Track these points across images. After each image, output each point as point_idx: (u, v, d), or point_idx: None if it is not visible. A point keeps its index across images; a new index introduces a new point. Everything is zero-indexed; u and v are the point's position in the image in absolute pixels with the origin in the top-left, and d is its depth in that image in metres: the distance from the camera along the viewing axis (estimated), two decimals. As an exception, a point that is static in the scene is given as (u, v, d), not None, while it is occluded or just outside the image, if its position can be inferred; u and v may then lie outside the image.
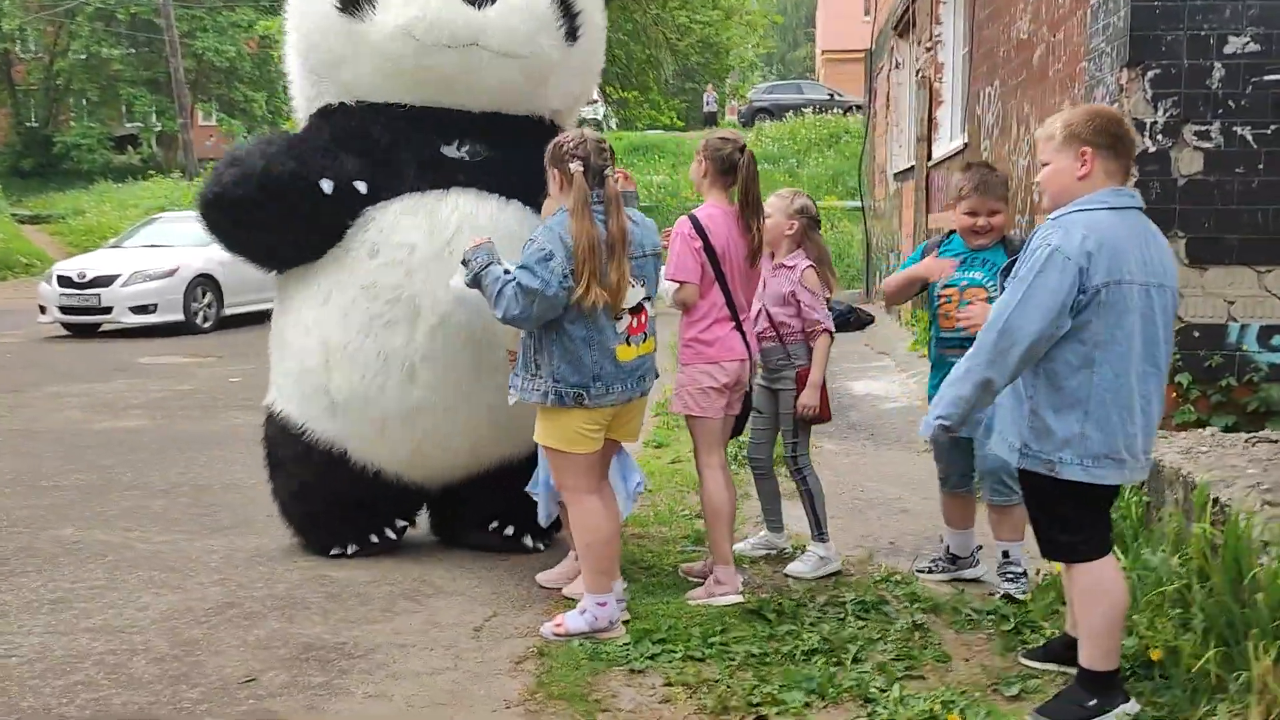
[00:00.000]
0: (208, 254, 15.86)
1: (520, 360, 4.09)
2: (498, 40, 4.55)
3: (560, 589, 4.50)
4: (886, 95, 15.53)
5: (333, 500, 4.87)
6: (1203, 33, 5.58)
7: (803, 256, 4.71)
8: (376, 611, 4.36)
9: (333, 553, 4.97)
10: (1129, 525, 4.59)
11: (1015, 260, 3.45)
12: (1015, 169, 8.04)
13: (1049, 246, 3.21)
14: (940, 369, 4.40)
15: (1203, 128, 5.61)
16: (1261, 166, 5.57)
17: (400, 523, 5.11)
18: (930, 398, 4.39)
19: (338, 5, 4.61)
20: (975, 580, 4.63)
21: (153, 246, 16.02)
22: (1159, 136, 5.65)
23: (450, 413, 4.67)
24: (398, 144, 4.71)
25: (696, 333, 4.43)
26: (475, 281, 3.99)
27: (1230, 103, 5.57)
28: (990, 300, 4.19)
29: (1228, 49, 5.56)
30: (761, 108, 36.98)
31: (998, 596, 4.38)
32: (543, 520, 4.57)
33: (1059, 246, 3.20)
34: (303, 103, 5.01)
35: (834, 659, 3.79)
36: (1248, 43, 5.55)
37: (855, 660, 3.77)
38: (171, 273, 15.10)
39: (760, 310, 4.72)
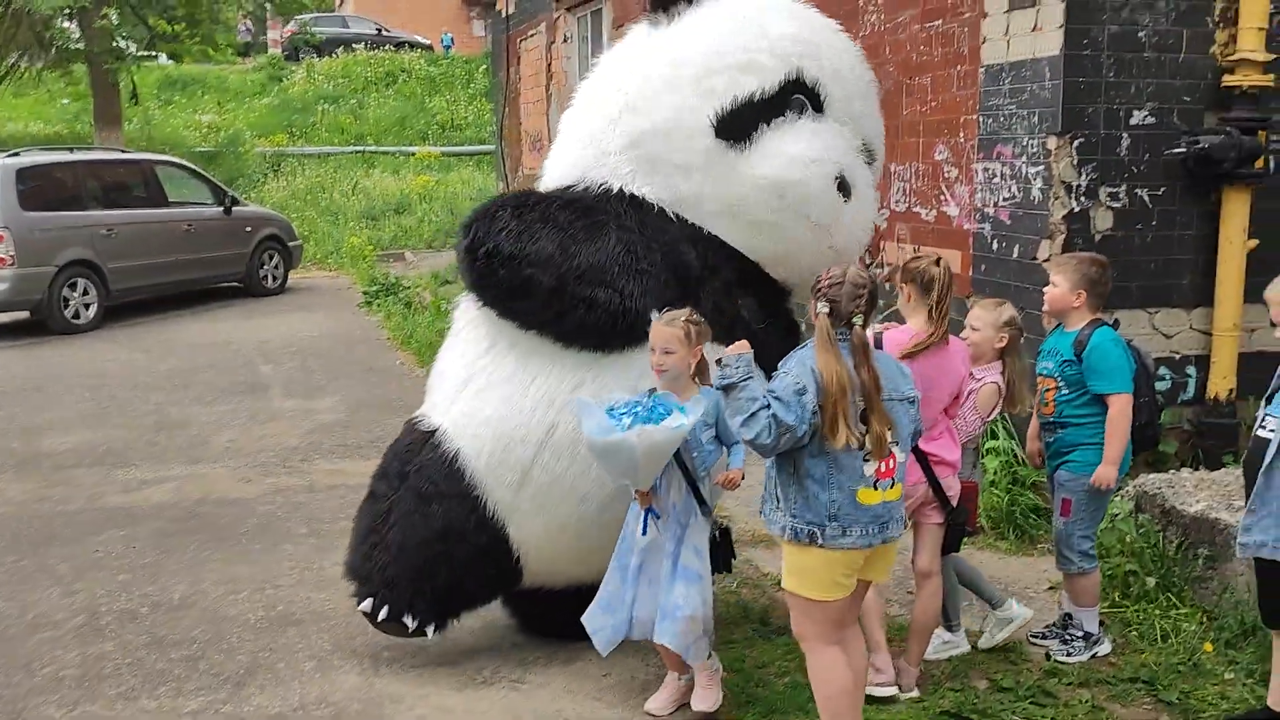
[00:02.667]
0: None
1: (765, 489, 3.93)
2: (842, 236, 4.55)
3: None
4: (549, 66, 15.53)
5: (454, 561, 4.50)
6: (1114, 106, 6.31)
7: (995, 372, 4.57)
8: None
9: (405, 621, 4.54)
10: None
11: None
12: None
13: None
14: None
15: (1113, 190, 6.37)
16: (1154, 223, 6.43)
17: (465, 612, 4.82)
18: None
19: (714, 125, 4.31)
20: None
21: None
22: (1082, 198, 6.34)
23: (595, 527, 4.47)
24: (704, 281, 4.45)
25: None
26: (726, 389, 3.73)
27: (1133, 168, 6.37)
28: (1059, 394, 4.62)
29: (1133, 121, 6.33)
30: (306, 42, 34.98)
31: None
32: (602, 649, 4.34)
33: None
34: (590, 157, 4.56)
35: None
36: (1146, 116, 6.35)
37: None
38: None
39: None
